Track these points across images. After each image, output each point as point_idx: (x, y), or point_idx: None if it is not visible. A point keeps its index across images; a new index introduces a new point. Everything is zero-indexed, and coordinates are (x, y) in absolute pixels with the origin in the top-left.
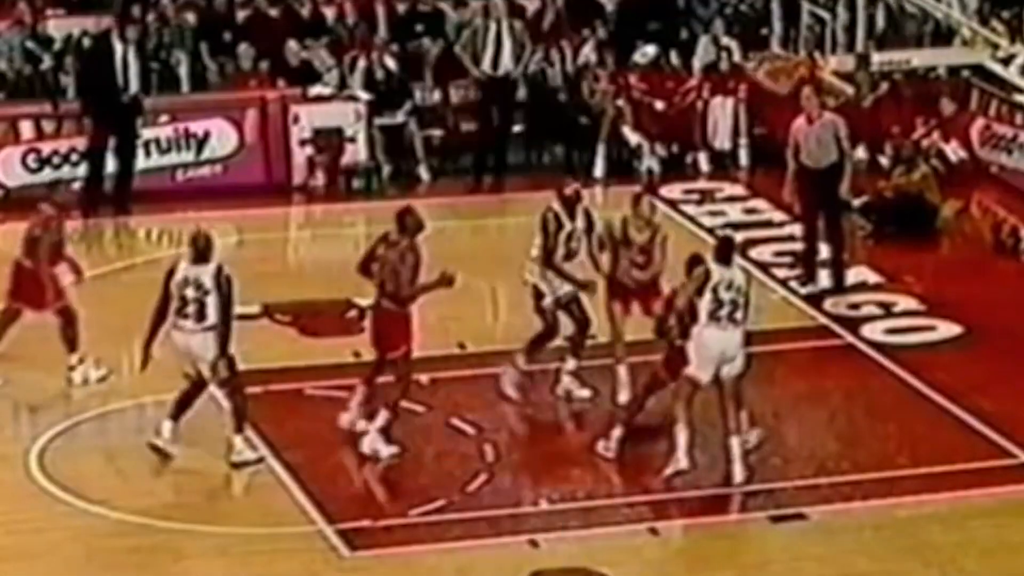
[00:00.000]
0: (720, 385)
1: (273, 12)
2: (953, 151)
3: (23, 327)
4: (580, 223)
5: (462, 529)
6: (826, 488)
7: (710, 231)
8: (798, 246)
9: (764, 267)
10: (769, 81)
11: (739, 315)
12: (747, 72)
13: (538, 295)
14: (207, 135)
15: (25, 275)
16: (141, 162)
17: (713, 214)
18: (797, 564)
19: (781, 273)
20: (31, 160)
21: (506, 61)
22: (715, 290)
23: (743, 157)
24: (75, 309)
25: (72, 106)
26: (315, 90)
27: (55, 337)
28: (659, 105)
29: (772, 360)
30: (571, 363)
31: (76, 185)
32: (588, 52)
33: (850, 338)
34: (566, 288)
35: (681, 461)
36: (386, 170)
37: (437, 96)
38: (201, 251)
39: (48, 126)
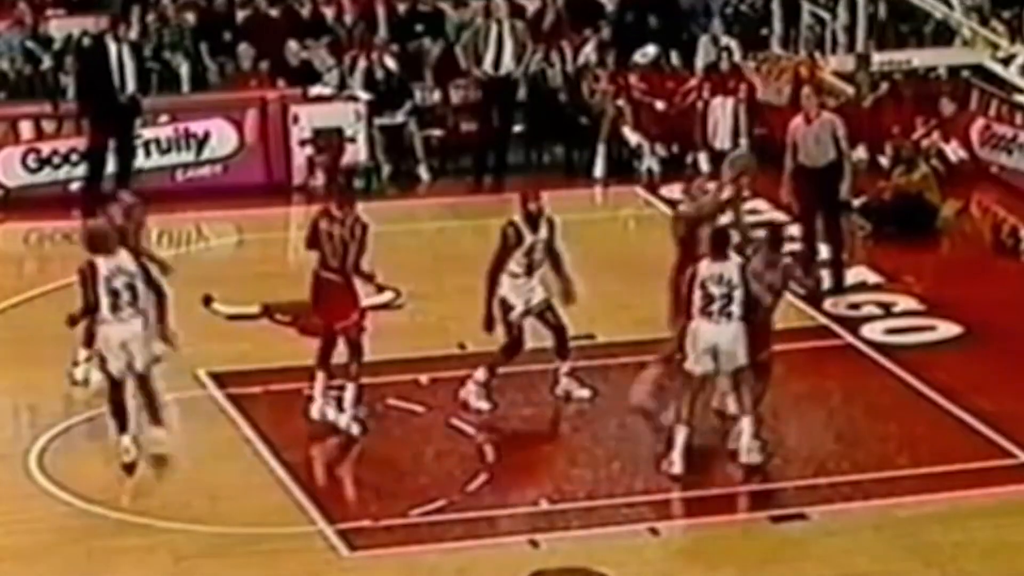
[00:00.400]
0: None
1: (273, 12)
2: (953, 151)
3: (21, 327)
4: (543, 234)
5: (462, 529)
6: (826, 488)
7: None
8: (796, 246)
9: None
10: (766, 85)
11: (733, 308)
12: (747, 73)
13: (506, 307)
14: (207, 135)
15: None
16: (141, 162)
17: None
18: (797, 564)
19: None
20: (31, 160)
21: (507, 61)
22: (704, 285)
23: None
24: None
25: (72, 106)
26: (315, 90)
27: (54, 337)
28: (659, 105)
29: (772, 359)
30: (564, 366)
31: (76, 185)
32: (588, 52)
33: (850, 338)
34: (538, 298)
35: (675, 464)
36: (386, 170)
37: (437, 96)
38: (99, 246)
39: (48, 126)
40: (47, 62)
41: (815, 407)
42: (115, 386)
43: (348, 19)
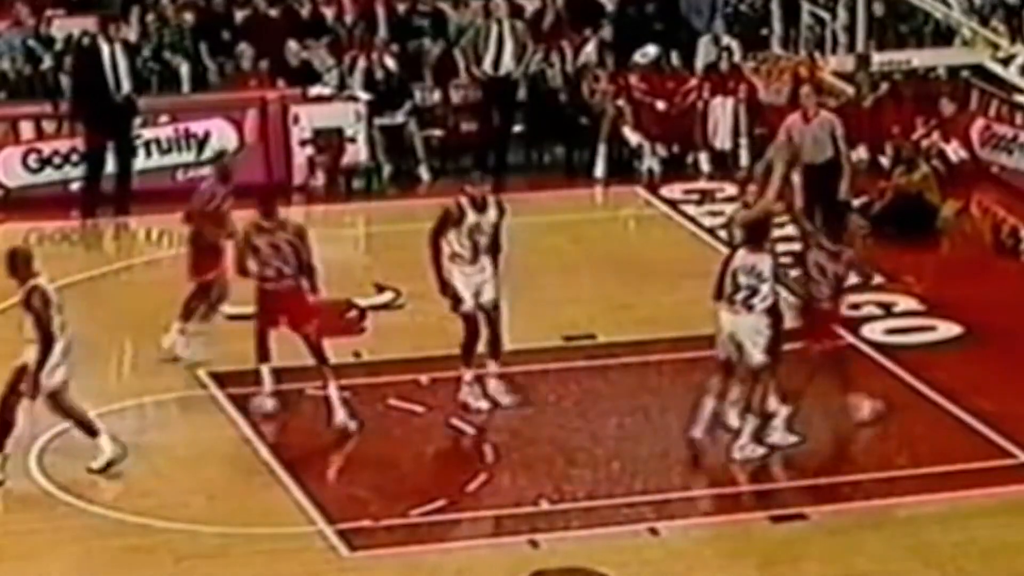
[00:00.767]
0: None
1: (272, 12)
2: (953, 151)
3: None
4: (491, 216)
5: (462, 529)
6: (826, 488)
7: (710, 231)
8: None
9: None
10: (766, 85)
11: (756, 301)
12: (747, 73)
13: (456, 299)
14: (207, 135)
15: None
16: (141, 162)
17: (713, 214)
18: (798, 564)
19: None
20: (32, 160)
21: (507, 61)
22: (735, 274)
23: (743, 157)
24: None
25: (72, 106)
26: (315, 90)
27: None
28: (660, 105)
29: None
30: (492, 367)
31: (76, 186)
32: (589, 52)
33: (850, 338)
34: (488, 295)
35: (696, 430)
36: (386, 170)
37: (437, 96)
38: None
39: (49, 126)
40: (47, 62)
41: (815, 407)
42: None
43: (348, 19)
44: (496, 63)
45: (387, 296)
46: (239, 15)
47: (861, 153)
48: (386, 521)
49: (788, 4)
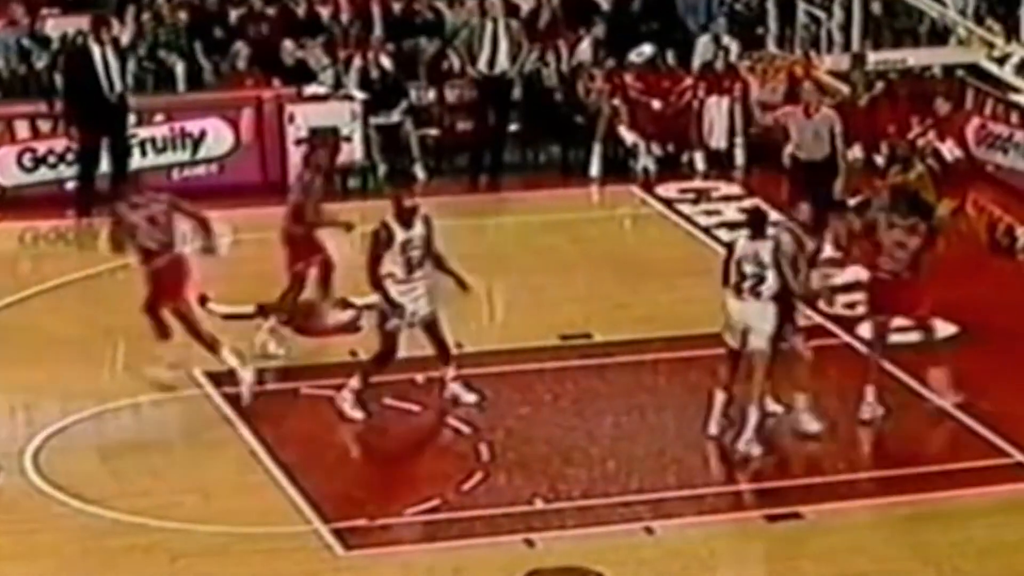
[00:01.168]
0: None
1: (268, 11)
2: (949, 150)
3: (15, 327)
4: (419, 230)
5: (458, 528)
6: (822, 487)
7: (706, 230)
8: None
9: None
10: (761, 84)
11: (762, 288)
12: (742, 72)
13: (383, 316)
14: (203, 134)
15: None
16: (137, 161)
17: (709, 213)
18: (793, 563)
19: None
20: (26, 159)
21: (502, 60)
22: (739, 263)
23: (739, 156)
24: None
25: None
26: (311, 89)
27: (49, 337)
28: (655, 104)
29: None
30: (449, 371)
31: (70, 185)
32: (584, 51)
33: (846, 337)
34: (423, 310)
35: (711, 427)
36: (382, 169)
37: (432, 95)
38: None
39: (44, 125)
40: (42, 61)
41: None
42: None
43: (344, 18)
44: (491, 62)
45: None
46: (233, 14)
47: (856, 152)
48: (382, 520)
49: (784, 3)
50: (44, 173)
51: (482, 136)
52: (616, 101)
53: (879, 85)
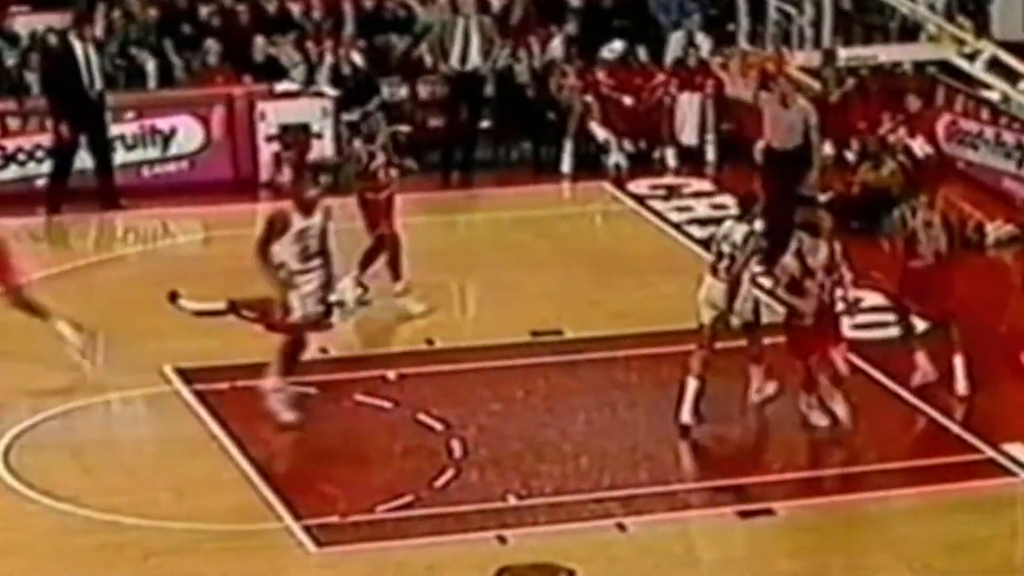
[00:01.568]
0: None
1: (240, 7)
2: (919, 147)
3: None
4: (317, 220)
5: (430, 525)
6: (794, 483)
7: (677, 226)
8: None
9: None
10: (733, 80)
11: (732, 269)
12: (713, 68)
13: (287, 310)
14: (173, 131)
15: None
16: None
17: (680, 209)
18: (765, 560)
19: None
20: None
21: (474, 57)
22: (719, 242)
23: (710, 153)
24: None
25: (38, 102)
26: (282, 86)
27: (20, 333)
28: (627, 101)
29: (740, 355)
30: (271, 382)
31: (41, 182)
32: (556, 48)
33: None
34: (312, 307)
35: (683, 414)
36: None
37: (404, 92)
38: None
39: (13, 123)
40: (12, 59)
41: (782, 401)
42: None
43: (315, 14)
44: (463, 59)
45: (355, 292)
46: (204, 10)
47: (827, 148)
48: (353, 517)
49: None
50: (14, 171)
51: (454, 132)
52: (588, 97)
53: (850, 81)
